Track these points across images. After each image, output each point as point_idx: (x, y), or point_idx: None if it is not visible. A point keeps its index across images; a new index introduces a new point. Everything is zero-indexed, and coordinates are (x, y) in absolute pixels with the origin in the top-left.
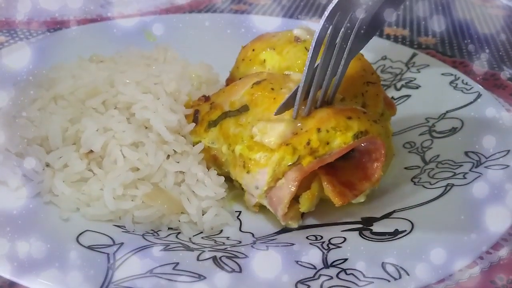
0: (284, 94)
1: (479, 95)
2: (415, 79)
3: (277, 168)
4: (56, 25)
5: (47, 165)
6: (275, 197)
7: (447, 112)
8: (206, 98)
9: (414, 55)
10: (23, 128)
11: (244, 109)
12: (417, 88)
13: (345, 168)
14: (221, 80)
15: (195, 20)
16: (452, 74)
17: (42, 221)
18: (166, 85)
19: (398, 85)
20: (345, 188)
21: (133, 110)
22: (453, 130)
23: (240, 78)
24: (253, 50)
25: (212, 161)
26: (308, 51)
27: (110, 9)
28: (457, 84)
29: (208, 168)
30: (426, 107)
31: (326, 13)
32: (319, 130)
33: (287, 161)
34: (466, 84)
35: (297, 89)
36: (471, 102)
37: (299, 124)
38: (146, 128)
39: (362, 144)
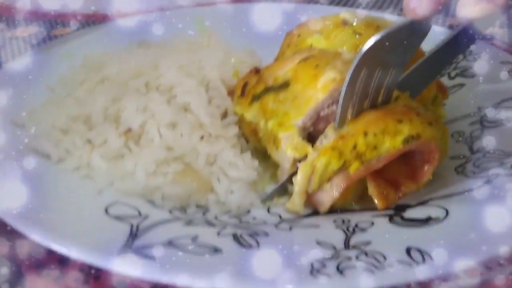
0: (327, 71)
1: None
2: (471, 67)
3: (324, 174)
4: (96, 19)
5: (89, 141)
6: (315, 199)
7: (502, 101)
8: (257, 70)
9: None
10: (69, 107)
11: (285, 85)
12: (472, 77)
13: (392, 162)
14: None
15: (240, 11)
16: (511, 62)
17: (77, 192)
18: (208, 71)
19: (453, 73)
20: (389, 188)
21: (175, 92)
22: (507, 120)
23: None
24: (299, 35)
25: (253, 135)
26: (357, 34)
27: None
28: None
29: (248, 141)
30: (480, 97)
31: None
32: (366, 133)
33: (333, 166)
34: None
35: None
36: None
37: (345, 127)
38: (186, 110)
39: None
